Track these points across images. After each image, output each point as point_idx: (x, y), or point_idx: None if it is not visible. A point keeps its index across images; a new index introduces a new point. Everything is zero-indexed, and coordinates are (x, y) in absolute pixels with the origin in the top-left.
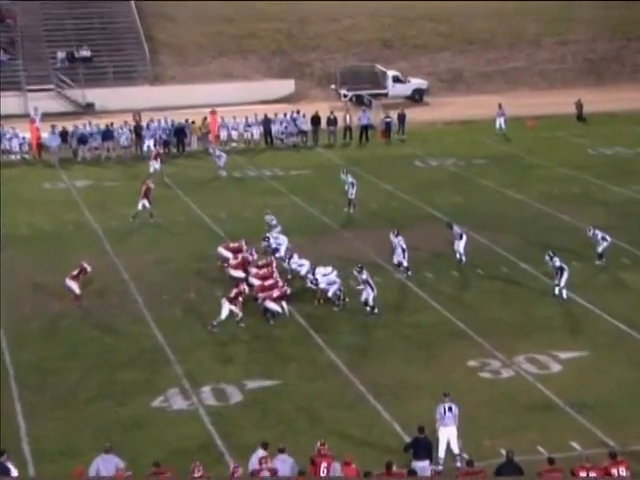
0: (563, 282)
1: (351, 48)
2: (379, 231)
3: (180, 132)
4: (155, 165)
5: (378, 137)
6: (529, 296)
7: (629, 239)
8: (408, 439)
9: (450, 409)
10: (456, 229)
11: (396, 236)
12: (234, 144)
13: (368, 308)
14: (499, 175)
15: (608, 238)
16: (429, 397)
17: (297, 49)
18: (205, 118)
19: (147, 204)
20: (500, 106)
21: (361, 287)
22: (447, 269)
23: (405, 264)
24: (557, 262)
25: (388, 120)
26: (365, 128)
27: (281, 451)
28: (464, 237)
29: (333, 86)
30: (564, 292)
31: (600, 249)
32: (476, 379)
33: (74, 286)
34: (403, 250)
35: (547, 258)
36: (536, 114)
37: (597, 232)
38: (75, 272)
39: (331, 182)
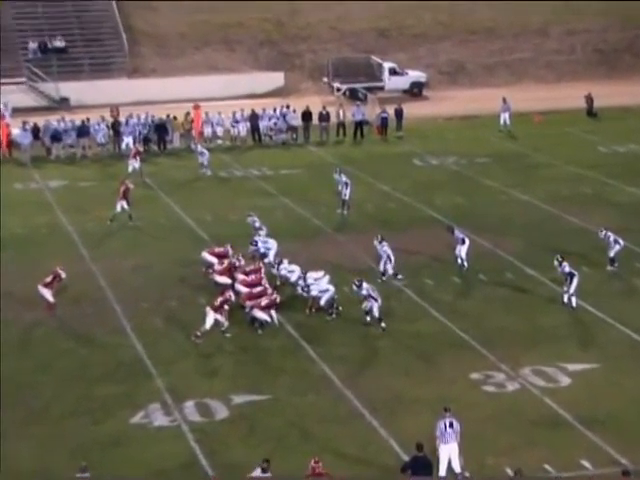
0: (572, 289)
1: (344, 38)
2: (375, 234)
3: (161, 128)
4: (134, 164)
5: (374, 134)
6: (535, 304)
7: None
8: (406, 457)
9: (451, 425)
10: (457, 233)
11: (380, 242)
12: (219, 141)
13: (369, 318)
14: (503, 174)
15: (621, 242)
16: (429, 412)
17: (287, 39)
18: (188, 113)
19: (126, 205)
20: (505, 100)
21: (365, 304)
22: (448, 275)
23: (390, 271)
24: (566, 267)
25: (384, 115)
26: (360, 124)
27: (264, 470)
28: (466, 242)
29: (325, 79)
30: (573, 299)
31: (612, 253)
32: (479, 393)
33: (47, 294)
34: (389, 257)
35: (556, 263)
36: (543, 109)
37: (609, 234)
38: (49, 279)
39: (323, 182)
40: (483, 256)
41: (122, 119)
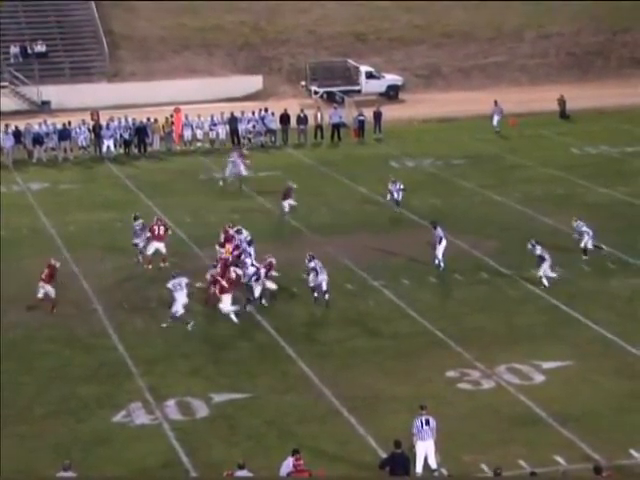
0: (542, 271)
1: (322, 42)
2: (352, 236)
3: (142, 131)
4: (238, 169)
5: (351, 136)
6: (511, 303)
7: (615, 243)
8: (384, 454)
9: (427, 422)
10: (439, 232)
11: (310, 261)
12: (199, 144)
13: (316, 294)
14: (479, 176)
15: (591, 232)
16: (406, 410)
17: (265, 43)
18: (170, 116)
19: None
20: (496, 103)
21: (310, 277)
22: (425, 276)
23: (324, 287)
24: (537, 250)
25: (361, 118)
26: (337, 127)
27: (241, 467)
28: (444, 242)
29: (303, 82)
30: (544, 280)
31: (582, 244)
32: (455, 391)
33: (50, 290)
34: (316, 272)
35: (529, 247)
36: (518, 111)
37: (581, 223)
38: (45, 273)
39: (301, 184)
40: (460, 256)
41: (103, 122)
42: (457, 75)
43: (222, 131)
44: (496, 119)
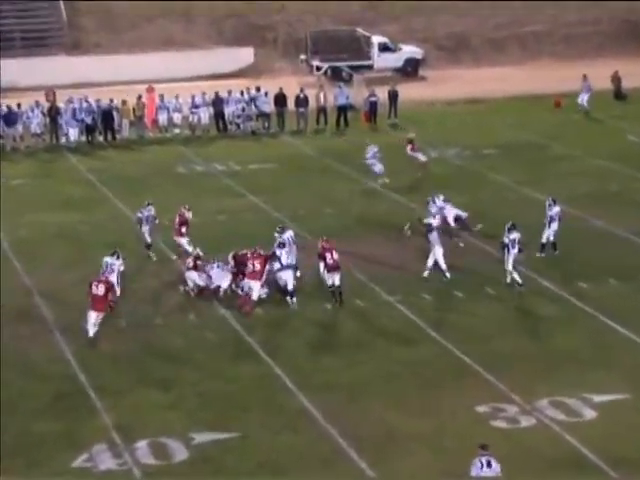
0: (509, 264)
1: (326, 7)
2: (362, 241)
3: (108, 116)
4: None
5: (360, 121)
6: (553, 322)
7: None
8: None
9: (489, 464)
10: (434, 236)
11: (281, 233)
12: (177, 130)
13: (288, 298)
14: (514, 169)
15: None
16: (426, 451)
17: (257, 9)
18: (140, 97)
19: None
20: (585, 77)
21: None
22: (450, 288)
23: (290, 285)
24: (513, 235)
25: (373, 99)
26: (344, 110)
27: None
28: (437, 248)
29: (303, 56)
30: (515, 276)
31: (544, 237)
32: (487, 429)
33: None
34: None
35: (506, 229)
36: (562, 91)
37: (551, 203)
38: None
39: (300, 179)
40: (490, 266)
41: (61, 104)
42: (488, 47)
43: (205, 115)
44: (584, 97)
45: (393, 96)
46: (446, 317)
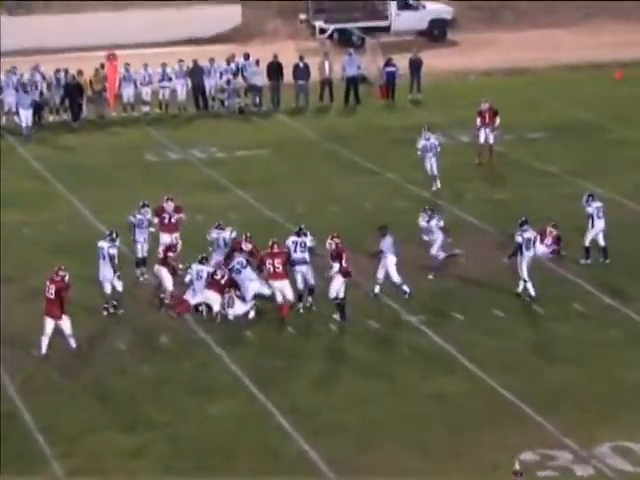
0: (524, 271)
1: None
2: (375, 246)
3: (73, 91)
4: None
5: (375, 96)
6: (616, 349)
7: None
8: None
9: None
10: (387, 242)
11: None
12: (145, 108)
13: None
14: (567, 156)
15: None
16: None
17: None
18: (102, 66)
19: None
20: None
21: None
22: (487, 305)
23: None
24: (527, 233)
25: (391, 70)
26: (354, 82)
27: None
28: (390, 257)
29: (303, 16)
30: (522, 286)
31: (587, 240)
32: None
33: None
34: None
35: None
36: (626, 60)
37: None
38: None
39: (300, 168)
40: (539, 278)
41: (1, 76)
42: (534, 6)
43: (181, 89)
44: None
45: (416, 66)
46: (482, 341)
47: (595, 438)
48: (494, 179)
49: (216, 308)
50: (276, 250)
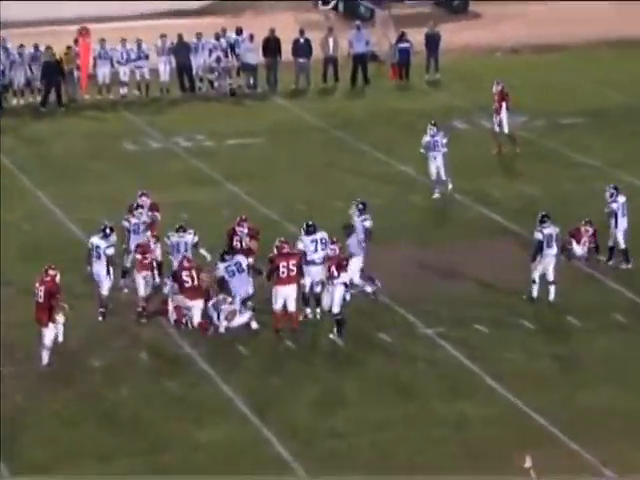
0: (536, 270)
1: None
2: (387, 248)
3: (53, 70)
4: None
5: (386, 76)
6: None
7: None
8: None
9: None
10: (352, 241)
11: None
12: (123, 90)
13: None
14: (607, 146)
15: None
16: None
17: None
18: (76, 42)
19: None
20: None
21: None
22: (514, 316)
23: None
24: (546, 229)
25: (404, 46)
26: (362, 60)
27: None
28: (355, 259)
29: None
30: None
31: (612, 239)
32: None
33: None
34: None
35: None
36: None
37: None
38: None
39: (300, 159)
40: (574, 284)
41: None
42: None
43: (164, 68)
44: None
45: (433, 41)
46: (509, 358)
47: (636, 466)
48: (523, 172)
49: (197, 319)
50: (288, 250)
